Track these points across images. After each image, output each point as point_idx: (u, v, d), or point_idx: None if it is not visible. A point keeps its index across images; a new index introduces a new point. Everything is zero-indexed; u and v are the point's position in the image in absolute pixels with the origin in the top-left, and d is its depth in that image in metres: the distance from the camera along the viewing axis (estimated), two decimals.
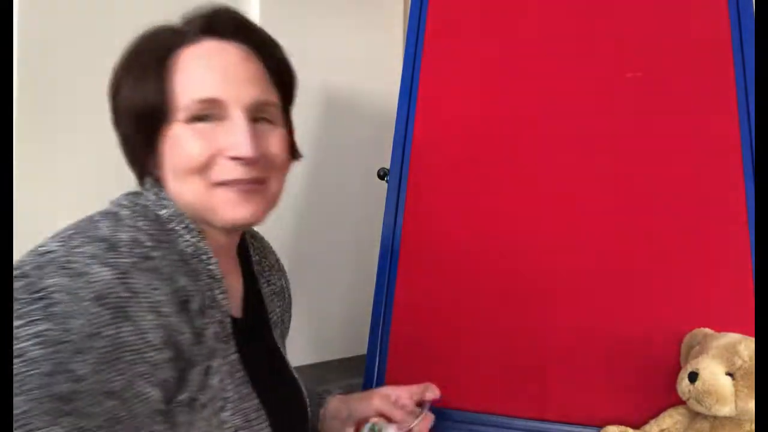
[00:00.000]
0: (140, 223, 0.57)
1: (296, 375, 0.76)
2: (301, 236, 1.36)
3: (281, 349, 0.76)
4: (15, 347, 0.45)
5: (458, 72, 1.06)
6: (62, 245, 0.51)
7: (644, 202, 0.92)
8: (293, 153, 0.70)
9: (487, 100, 1.03)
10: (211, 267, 0.61)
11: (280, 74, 0.67)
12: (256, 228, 0.79)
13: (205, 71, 0.60)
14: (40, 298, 0.47)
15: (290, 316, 0.84)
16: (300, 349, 0.76)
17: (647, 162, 0.94)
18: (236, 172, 0.60)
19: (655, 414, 0.82)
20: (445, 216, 0.99)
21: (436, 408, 0.90)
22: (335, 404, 0.83)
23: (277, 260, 0.84)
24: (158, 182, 0.63)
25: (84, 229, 0.54)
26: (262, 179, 0.62)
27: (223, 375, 0.58)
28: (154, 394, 0.51)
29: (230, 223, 0.62)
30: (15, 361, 0.44)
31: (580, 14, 1.04)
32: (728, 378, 0.72)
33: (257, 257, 0.78)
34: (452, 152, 1.02)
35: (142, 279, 0.52)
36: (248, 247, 0.77)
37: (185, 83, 0.60)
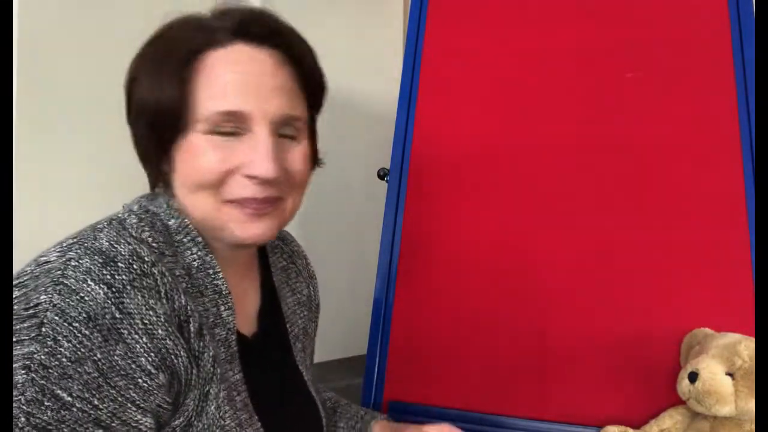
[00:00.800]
0: (145, 234, 0.55)
1: (312, 392, 0.72)
2: (301, 236, 1.35)
3: (299, 366, 0.71)
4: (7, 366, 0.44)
5: (458, 72, 1.06)
6: (60, 256, 0.50)
7: (644, 202, 0.92)
8: (314, 163, 0.66)
9: (487, 100, 1.03)
10: (217, 282, 0.58)
11: (310, 82, 0.63)
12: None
13: (232, 81, 0.56)
14: (31, 316, 0.46)
15: (316, 326, 0.80)
16: (312, 386, 0.74)
17: (647, 162, 0.94)
18: (250, 190, 0.56)
19: (655, 414, 0.82)
20: (445, 216, 0.99)
21: (437, 408, 0.90)
22: None
23: (307, 265, 0.79)
24: (170, 187, 0.60)
25: (84, 239, 0.52)
26: (277, 198, 0.59)
27: (221, 401, 0.55)
28: (146, 421, 0.48)
29: (239, 242, 0.59)
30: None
31: (579, 14, 1.04)
32: (728, 378, 0.72)
33: (284, 263, 0.74)
34: (452, 152, 1.02)
35: (137, 298, 0.49)
36: (269, 255, 0.73)
37: (209, 91, 0.55)
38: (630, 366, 0.87)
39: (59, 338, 0.45)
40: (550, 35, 1.04)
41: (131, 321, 0.48)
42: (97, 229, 0.53)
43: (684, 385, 0.74)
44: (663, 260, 0.89)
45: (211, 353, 0.55)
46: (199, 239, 0.59)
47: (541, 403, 0.88)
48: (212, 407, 0.54)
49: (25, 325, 0.45)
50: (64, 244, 0.51)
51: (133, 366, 0.48)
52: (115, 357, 0.47)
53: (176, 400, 0.52)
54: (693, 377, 0.73)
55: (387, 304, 0.97)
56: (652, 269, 0.89)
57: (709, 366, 0.73)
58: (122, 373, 0.47)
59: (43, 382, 0.44)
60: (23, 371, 0.44)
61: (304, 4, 1.47)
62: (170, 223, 0.58)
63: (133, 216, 0.57)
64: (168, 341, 0.50)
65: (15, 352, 0.44)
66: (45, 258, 0.50)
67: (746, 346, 0.72)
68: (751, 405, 0.71)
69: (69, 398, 0.44)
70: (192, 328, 0.53)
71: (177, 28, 0.58)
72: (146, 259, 0.51)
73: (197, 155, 0.56)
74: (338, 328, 1.42)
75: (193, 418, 0.53)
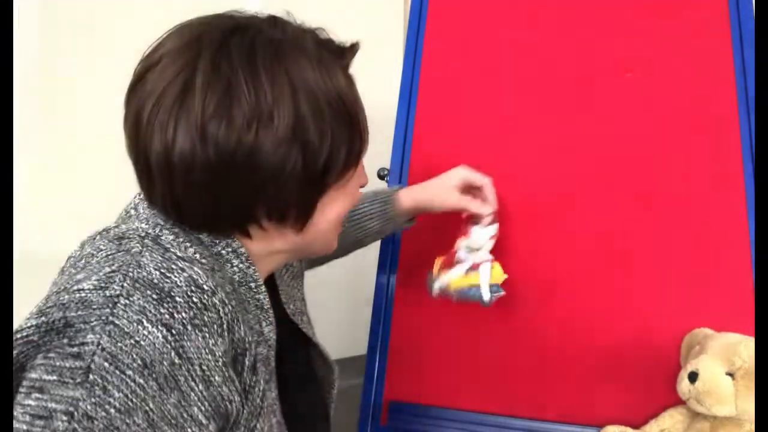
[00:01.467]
0: (190, 251, 0.50)
1: (325, 352, 0.73)
2: None
3: (312, 338, 0.72)
4: (41, 399, 0.40)
5: (458, 72, 1.06)
6: (101, 290, 0.44)
7: (644, 202, 0.92)
8: None
9: (487, 99, 1.03)
10: (259, 296, 0.55)
11: None
12: None
13: None
14: (76, 356, 0.41)
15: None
16: (324, 347, 0.74)
17: (647, 162, 0.94)
18: None
19: (655, 414, 0.82)
20: (445, 216, 0.99)
21: (437, 408, 0.90)
22: (407, 203, 0.86)
23: None
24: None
25: (127, 267, 0.46)
26: None
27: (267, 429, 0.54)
28: None
29: (329, 252, 0.63)
30: (37, 422, 0.39)
31: (579, 14, 1.04)
32: (728, 378, 0.72)
33: None
34: (452, 152, 1.02)
35: (198, 339, 0.45)
36: None
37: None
38: (630, 366, 0.86)
39: (109, 387, 0.41)
40: (550, 35, 1.04)
41: (189, 367, 0.44)
42: (134, 252, 0.48)
43: (684, 385, 0.74)
44: (663, 260, 0.89)
45: (261, 387, 0.53)
46: (242, 250, 0.54)
47: (541, 403, 0.88)
48: None
49: (68, 364, 0.41)
50: (101, 273, 0.45)
51: (185, 415, 0.44)
52: (168, 406, 0.43)
53: None
54: (693, 377, 0.73)
55: (387, 304, 0.97)
56: (652, 269, 0.89)
57: (709, 366, 0.73)
58: (173, 422, 0.44)
59: None
60: (65, 417, 0.39)
61: (304, 5, 1.47)
62: (202, 236, 0.53)
63: (166, 231, 0.51)
64: (224, 388, 0.47)
65: (59, 392, 0.40)
66: (77, 286, 0.44)
67: (746, 346, 0.72)
68: (751, 405, 0.71)
69: None
70: (247, 362, 0.51)
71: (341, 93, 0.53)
72: (206, 287, 0.47)
73: (353, 195, 0.60)
74: (338, 328, 1.42)
75: None
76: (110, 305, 0.43)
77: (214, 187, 0.49)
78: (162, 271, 0.46)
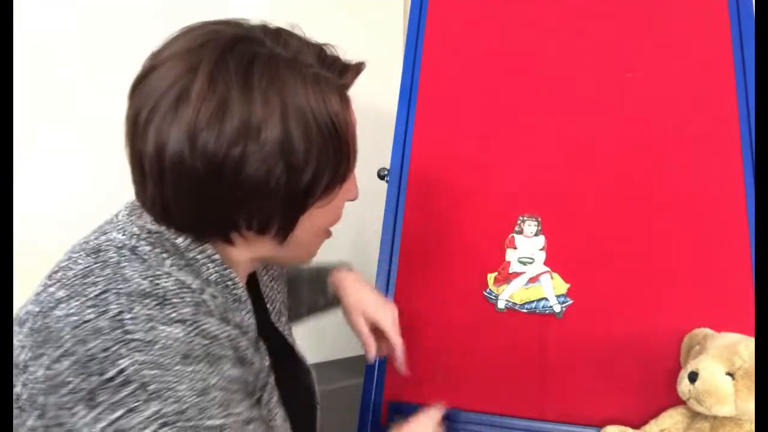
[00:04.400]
0: (167, 262, 0.51)
1: (304, 361, 0.76)
2: None
3: (288, 339, 0.73)
4: None
5: (458, 72, 1.06)
6: (100, 313, 0.45)
7: (644, 202, 0.92)
8: None
9: (487, 100, 1.03)
10: (236, 291, 0.57)
11: None
12: None
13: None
14: (124, 383, 0.43)
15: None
16: (300, 349, 0.75)
17: (647, 162, 0.94)
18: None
19: (655, 414, 0.82)
20: (445, 216, 0.99)
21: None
22: (352, 297, 0.83)
23: None
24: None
25: (114, 285, 0.47)
26: None
27: (273, 405, 0.59)
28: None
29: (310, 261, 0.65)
30: None
31: (579, 14, 1.04)
32: (728, 378, 0.72)
33: None
34: (452, 152, 1.02)
35: (210, 322, 0.49)
36: None
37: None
38: (630, 366, 0.86)
39: (173, 385, 0.44)
40: (550, 35, 1.04)
41: (218, 342, 0.49)
42: (116, 265, 0.49)
43: (684, 385, 0.74)
44: (663, 260, 0.89)
45: (266, 363, 0.57)
46: (216, 255, 0.56)
47: (541, 403, 0.88)
48: (264, 411, 0.56)
49: (127, 392, 0.43)
50: (91, 296, 0.46)
51: (239, 370, 0.51)
52: (227, 373, 0.49)
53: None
54: (693, 377, 0.73)
55: None
56: (651, 269, 0.89)
57: (709, 366, 0.73)
58: (239, 379, 0.50)
59: (189, 423, 0.44)
60: (164, 427, 0.43)
61: (304, 5, 1.47)
62: (178, 241, 0.54)
63: (142, 241, 0.52)
64: (249, 351, 0.53)
65: (137, 419, 0.43)
66: (78, 318, 0.45)
67: (746, 346, 0.72)
68: (751, 405, 0.71)
69: (219, 422, 0.46)
70: (249, 341, 0.55)
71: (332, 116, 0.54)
72: (194, 287, 0.50)
73: (338, 209, 0.61)
74: (338, 328, 1.41)
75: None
76: (118, 326, 0.45)
77: (200, 195, 0.50)
78: (149, 279, 0.48)
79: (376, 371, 0.93)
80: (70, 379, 0.44)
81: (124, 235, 0.53)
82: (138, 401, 0.43)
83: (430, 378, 0.92)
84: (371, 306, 0.82)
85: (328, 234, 0.64)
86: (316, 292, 0.86)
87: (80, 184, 1.22)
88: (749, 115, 0.92)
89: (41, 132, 1.17)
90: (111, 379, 0.43)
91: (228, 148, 0.48)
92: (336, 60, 0.55)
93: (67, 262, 0.51)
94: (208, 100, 0.47)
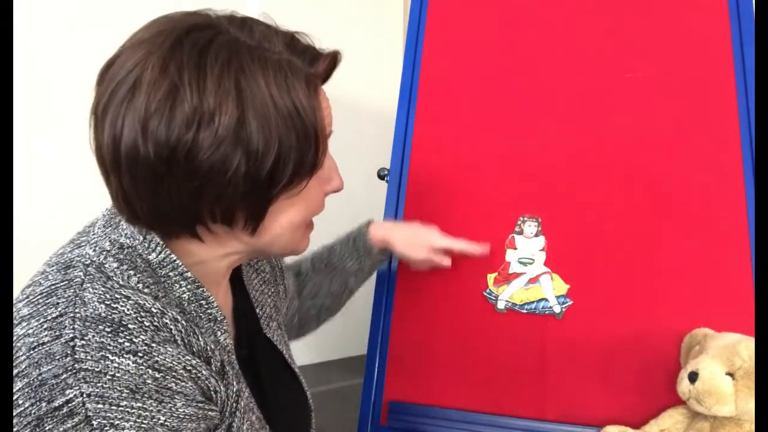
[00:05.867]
0: (133, 281, 0.50)
1: (296, 369, 0.74)
2: None
3: (278, 346, 0.71)
4: None
5: (458, 72, 1.06)
6: (55, 337, 0.45)
7: (644, 202, 0.92)
8: None
9: (487, 100, 1.03)
10: (211, 311, 0.56)
11: None
12: None
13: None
14: (70, 414, 0.43)
15: (286, 288, 0.79)
16: (300, 349, 0.75)
17: (647, 162, 0.94)
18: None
19: (655, 414, 0.82)
20: (445, 216, 0.99)
21: (437, 408, 0.90)
22: (375, 235, 0.88)
23: None
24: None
25: (73, 308, 0.46)
26: None
27: (245, 429, 0.57)
28: None
29: (298, 254, 0.63)
30: None
31: (579, 14, 1.04)
32: (728, 378, 0.72)
33: None
34: (452, 152, 1.02)
35: (167, 351, 0.47)
36: None
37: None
38: (630, 366, 0.86)
39: (117, 422, 0.43)
40: (550, 35, 1.04)
41: (174, 373, 0.47)
42: (77, 284, 0.48)
43: (684, 385, 0.74)
44: (663, 260, 0.89)
45: (234, 388, 0.55)
46: (188, 274, 0.54)
47: (541, 403, 0.88)
48: None
49: (69, 425, 0.43)
50: (49, 318, 0.46)
51: (195, 407, 0.48)
52: (180, 410, 0.47)
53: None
54: (693, 377, 0.73)
55: (387, 304, 0.97)
56: (651, 269, 0.89)
57: (709, 366, 0.73)
58: (192, 417, 0.48)
59: None
60: None
61: (304, 4, 1.47)
62: (151, 257, 0.53)
63: (110, 258, 0.51)
64: (211, 380, 0.51)
65: None
66: (34, 339, 0.45)
67: (746, 346, 0.72)
68: (751, 405, 0.71)
69: None
70: (213, 367, 0.53)
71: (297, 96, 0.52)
72: (154, 310, 0.49)
73: (316, 200, 0.60)
74: (338, 328, 1.41)
75: None
76: (69, 353, 0.44)
77: (156, 185, 0.49)
78: (107, 303, 0.47)
79: (376, 371, 0.94)
80: (21, 401, 0.43)
81: (94, 251, 0.52)
82: None
83: (430, 378, 0.92)
84: (419, 237, 0.88)
85: (310, 226, 0.62)
86: (360, 258, 0.88)
87: (80, 184, 1.23)
88: (749, 115, 0.92)
89: (41, 132, 1.17)
90: (59, 408, 0.43)
91: (179, 134, 0.46)
92: (308, 48, 0.54)
93: (39, 277, 0.50)
94: (158, 87, 0.46)
